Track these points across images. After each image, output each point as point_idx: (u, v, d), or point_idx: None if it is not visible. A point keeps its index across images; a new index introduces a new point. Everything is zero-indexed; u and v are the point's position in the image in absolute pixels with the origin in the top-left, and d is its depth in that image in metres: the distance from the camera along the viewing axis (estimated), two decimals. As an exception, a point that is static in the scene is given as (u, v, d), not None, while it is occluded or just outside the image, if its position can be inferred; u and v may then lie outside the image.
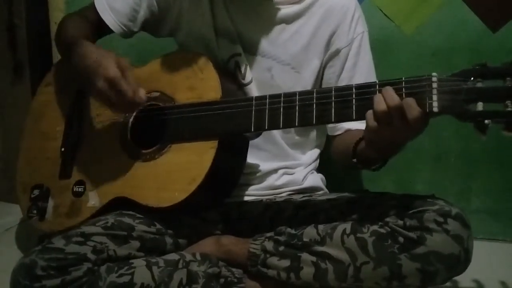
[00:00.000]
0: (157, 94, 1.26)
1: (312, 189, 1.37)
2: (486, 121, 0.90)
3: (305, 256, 1.15)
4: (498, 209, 1.66)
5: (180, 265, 1.15)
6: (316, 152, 1.41)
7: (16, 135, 1.46)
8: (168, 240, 1.21)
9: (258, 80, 1.29)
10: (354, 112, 1.04)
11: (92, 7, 1.34)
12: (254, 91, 1.29)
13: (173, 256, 1.17)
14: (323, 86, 1.32)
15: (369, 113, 1.00)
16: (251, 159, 1.29)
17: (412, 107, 0.95)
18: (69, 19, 1.36)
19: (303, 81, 1.30)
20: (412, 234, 1.07)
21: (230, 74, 1.29)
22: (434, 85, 0.95)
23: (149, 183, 1.20)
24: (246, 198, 1.32)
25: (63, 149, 1.33)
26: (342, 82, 1.29)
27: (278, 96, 1.12)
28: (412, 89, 0.97)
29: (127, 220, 1.18)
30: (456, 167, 1.66)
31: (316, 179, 1.39)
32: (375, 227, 1.12)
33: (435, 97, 0.95)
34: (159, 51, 1.33)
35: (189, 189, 1.15)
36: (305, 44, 1.28)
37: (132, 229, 1.16)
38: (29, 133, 1.42)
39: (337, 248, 1.12)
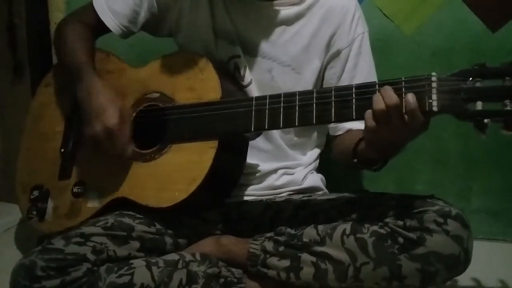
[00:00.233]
0: (157, 94, 1.26)
1: (312, 189, 1.37)
2: (486, 120, 0.91)
3: (305, 256, 1.15)
4: (498, 209, 1.66)
5: (180, 265, 1.15)
6: (316, 152, 1.41)
7: (16, 135, 1.46)
8: (168, 240, 1.21)
9: (258, 82, 1.29)
10: (354, 112, 1.04)
11: (91, 8, 1.33)
12: (254, 92, 1.28)
13: (172, 256, 1.17)
14: (324, 86, 1.32)
15: (368, 112, 1.00)
16: (251, 159, 1.29)
17: (411, 107, 0.95)
18: (69, 26, 1.34)
19: (304, 82, 1.30)
20: (412, 235, 1.07)
21: (230, 75, 1.29)
22: (434, 84, 0.96)
23: (149, 183, 1.20)
24: (246, 198, 1.32)
25: (62, 150, 1.33)
26: (343, 83, 1.29)
27: (278, 96, 1.12)
28: (412, 88, 0.97)
29: (127, 220, 1.18)
30: (456, 168, 1.66)
31: (316, 179, 1.39)
32: (375, 228, 1.12)
33: (434, 97, 0.95)
34: (159, 52, 1.33)
35: (189, 189, 1.15)
36: (306, 45, 1.28)
37: (131, 230, 1.16)
38: (29, 133, 1.42)
39: (337, 248, 1.12)
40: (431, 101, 0.95)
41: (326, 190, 1.41)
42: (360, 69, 1.30)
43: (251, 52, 1.29)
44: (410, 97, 0.95)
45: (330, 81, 1.31)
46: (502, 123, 0.90)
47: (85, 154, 1.31)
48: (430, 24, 1.60)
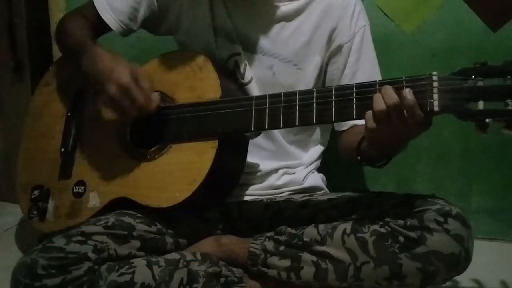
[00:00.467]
0: (156, 94, 1.26)
1: (313, 189, 1.37)
2: (487, 120, 0.90)
3: (306, 255, 1.15)
4: (498, 209, 1.66)
5: (180, 265, 1.15)
6: (318, 150, 1.40)
7: (16, 135, 1.46)
8: (169, 239, 1.21)
9: (259, 79, 1.29)
10: (354, 111, 1.04)
11: (91, 5, 1.33)
12: (254, 90, 1.28)
13: (173, 256, 1.17)
14: (327, 82, 1.32)
15: (368, 113, 1.00)
16: (251, 158, 1.29)
17: (411, 106, 0.95)
18: (70, 18, 1.36)
19: (305, 78, 1.29)
20: (412, 234, 1.07)
21: (230, 74, 1.29)
22: (435, 84, 0.95)
23: (149, 183, 1.20)
24: (246, 198, 1.32)
25: (62, 150, 1.33)
26: (346, 78, 1.29)
27: (278, 95, 1.12)
28: (413, 88, 0.97)
29: (127, 219, 1.18)
30: (456, 167, 1.66)
31: (316, 179, 1.39)
32: (375, 227, 1.12)
33: (435, 96, 0.95)
34: (159, 51, 1.33)
35: (190, 189, 1.15)
36: (306, 40, 1.28)
37: (132, 229, 1.16)
38: (28, 133, 1.42)
39: (338, 247, 1.12)
40: (432, 100, 0.95)
41: (326, 190, 1.41)
42: (362, 63, 1.29)
43: (252, 49, 1.28)
44: (408, 93, 0.95)
45: (333, 76, 1.31)
46: (504, 123, 0.90)
47: (85, 154, 1.31)
48: (431, 24, 1.60)
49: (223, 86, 1.20)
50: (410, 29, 1.61)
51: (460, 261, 1.06)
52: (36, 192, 1.33)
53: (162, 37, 1.41)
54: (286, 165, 1.35)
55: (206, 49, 1.29)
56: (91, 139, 1.31)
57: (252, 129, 1.14)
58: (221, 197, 1.28)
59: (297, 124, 1.10)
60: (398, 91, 0.97)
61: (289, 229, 1.19)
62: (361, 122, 1.17)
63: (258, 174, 1.32)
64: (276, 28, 1.28)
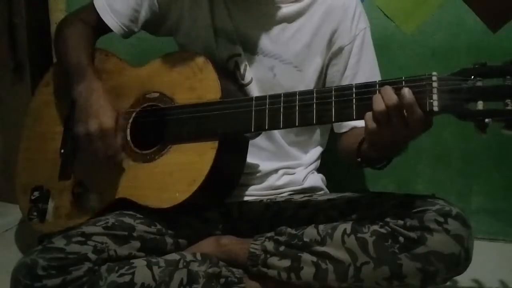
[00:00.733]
0: (156, 94, 1.26)
1: (313, 189, 1.37)
2: (486, 120, 0.90)
3: (306, 256, 1.15)
4: (498, 209, 1.66)
5: (180, 265, 1.15)
6: (318, 151, 1.40)
7: (16, 135, 1.46)
8: (169, 240, 1.21)
9: (259, 80, 1.29)
10: (354, 112, 1.04)
11: (91, 8, 1.33)
12: (254, 91, 1.28)
13: (173, 256, 1.18)
14: (327, 84, 1.32)
15: (368, 114, 1.00)
16: (251, 159, 1.29)
17: (411, 106, 0.95)
18: (70, 26, 1.34)
19: (306, 80, 1.30)
20: (412, 234, 1.07)
21: (230, 74, 1.29)
22: (434, 84, 0.96)
23: (149, 184, 1.20)
24: (246, 198, 1.32)
25: (62, 150, 1.33)
26: (346, 80, 1.29)
27: (278, 96, 1.12)
28: (412, 88, 0.97)
29: (127, 220, 1.18)
30: (456, 167, 1.66)
31: (316, 179, 1.39)
32: (375, 227, 1.12)
33: (435, 96, 0.95)
34: (159, 51, 1.33)
35: (190, 190, 1.15)
36: (307, 42, 1.28)
37: (132, 229, 1.16)
38: (28, 133, 1.42)
39: (338, 248, 1.12)
40: (431, 101, 0.95)
41: (326, 190, 1.41)
42: (363, 65, 1.30)
43: (252, 50, 1.28)
44: (406, 92, 0.95)
45: (333, 78, 1.31)
46: (503, 123, 0.90)
47: (85, 154, 1.30)
48: (430, 24, 1.60)
49: (223, 87, 1.20)
50: (410, 30, 1.61)
51: (460, 261, 1.06)
52: (36, 193, 1.33)
53: (163, 37, 1.41)
54: (286, 166, 1.35)
55: (207, 50, 1.29)
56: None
57: (252, 129, 1.14)
58: (221, 197, 1.28)
59: (297, 124, 1.10)
60: (398, 91, 0.97)
61: (289, 230, 1.19)
62: (361, 123, 1.17)
63: (258, 174, 1.32)
64: (277, 29, 1.28)
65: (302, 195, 1.32)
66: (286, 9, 1.27)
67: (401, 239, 1.08)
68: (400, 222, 1.10)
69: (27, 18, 1.81)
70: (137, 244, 1.16)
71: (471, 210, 1.65)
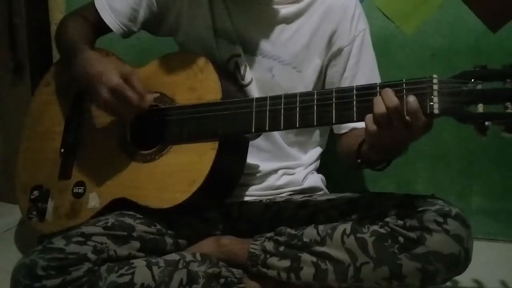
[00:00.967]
0: (157, 95, 1.26)
1: (312, 190, 1.37)
2: (487, 123, 0.91)
3: (305, 256, 1.15)
4: (498, 209, 1.66)
5: (180, 265, 1.15)
6: (317, 151, 1.41)
7: (16, 135, 1.46)
8: (168, 240, 1.21)
9: (258, 81, 1.29)
10: (355, 113, 1.04)
11: (92, 6, 1.34)
12: (254, 91, 1.29)
13: (173, 256, 1.17)
14: (326, 85, 1.32)
15: (368, 116, 1.00)
16: (251, 159, 1.29)
17: (411, 109, 0.95)
18: (70, 20, 1.36)
19: (305, 81, 1.30)
20: (412, 234, 1.07)
21: (230, 75, 1.29)
22: (435, 87, 0.96)
23: (149, 184, 1.20)
24: (246, 199, 1.33)
25: (62, 150, 1.33)
26: (345, 81, 1.29)
27: (278, 97, 1.12)
28: (413, 91, 0.97)
29: (127, 220, 1.18)
30: (456, 168, 1.66)
31: (316, 180, 1.39)
32: (375, 227, 1.12)
33: (435, 99, 0.95)
34: (159, 51, 1.33)
35: (190, 190, 1.15)
36: (306, 43, 1.28)
37: (132, 229, 1.16)
38: (28, 133, 1.42)
39: (337, 248, 1.12)
40: (432, 103, 0.96)
41: (326, 190, 1.41)
42: (362, 66, 1.30)
43: (251, 51, 1.29)
44: (412, 99, 0.96)
45: (332, 79, 1.31)
46: (503, 126, 0.90)
47: (85, 154, 1.31)
48: (430, 24, 1.60)
49: (224, 87, 1.20)
50: (409, 30, 1.61)
51: (459, 261, 1.06)
52: (36, 193, 1.33)
53: (163, 38, 1.41)
54: (285, 166, 1.35)
55: (207, 50, 1.29)
56: (91, 139, 1.31)
57: (253, 130, 1.14)
58: (221, 198, 1.28)
59: (297, 126, 1.10)
60: (398, 94, 0.97)
61: (289, 230, 1.19)
62: (361, 124, 1.17)
63: (258, 174, 1.33)
64: (276, 30, 1.28)
65: (301, 195, 1.32)
66: (285, 10, 1.27)
67: (400, 239, 1.08)
68: (400, 222, 1.10)
69: (27, 18, 1.81)
70: (137, 244, 1.16)
71: (471, 210, 1.65)
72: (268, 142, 1.32)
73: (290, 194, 1.34)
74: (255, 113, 1.14)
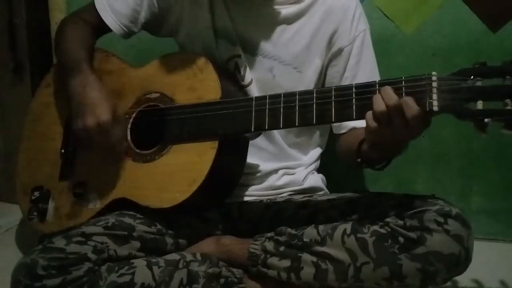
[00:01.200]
0: (157, 95, 1.26)
1: (313, 190, 1.37)
2: (486, 120, 0.91)
3: (306, 256, 1.15)
4: (498, 209, 1.66)
5: (180, 265, 1.15)
6: (317, 152, 1.41)
7: (16, 136, 1.46)
8: (169, 240, 1.21)
9: (259, 81, 1.29)
10: (354, 112, 1.04)
11: (92, 7, 1.34)
12: (254, 92, 1.29)
13: (173, 256, 1.18)
14: (326, 85, 1.32)
15: (369, 114, 1.00)
16: (251, 159, 1.29)
17: (411, 106, 0.96)
18: (69, 24, 1.35)
19: (305, 81, 1.30)
20: (412, 234, 1.07)
21: (230, 75, 1.29)
22: (434, 84, 0.96)
23: (149, 184, 1.20)
24: (246, 198, 1.33)
25: (63, 151, 1.33)
26: (345, 81, 1.29)
27: (278, 96, 1.12)
28: (412, 88, 0.97)
29: (127, 220, 1.18)
30: (456, 167, 1.66)
31: (316, 180, 1.39)
32: (375, 227, 1.12)
33: (435, 96, 0.95)
34: (159, 51, 1.33)
35: (190, 190, 1.15)
36: (307, 43, 1.28)
37: (132, 229, 1.16)
38: (29, 134, 1.42)
39: (338, 248, 1.12)
40: (431, 100, 0.96)
41: (326, 190, 1.41)
42: (362, 67, 1.30)
43: (252, 51, 1.29)
44: (410, 101, 0.96)
45: (332, 79, 1.31)
46: (503, 123, 0.90)
47: (85, 155, 1.31)
48: (430, 24, 1.60)
49: (223, 87, 1.20)
50: (410, 30, 1.61)
51: (460, 261, 1.06)
52: (37, 193, 1.33)
53: (163, 38, 1.41)
54: (286, 166, 1.35)
55: (207, 50, 1.29)
56: (91, 140, 1.31)
57: (252, 129, 1.14)
58: (221, 197, 1.28)
59: (297, 124, 1.10)
60: (398, 91, 0.97)
61: (289, 230, 1.19)
62: (360, 124, 1.18)
63: (258, 174, 1.33)
64: (277, 30, 1.28)
65: (302, 195, 1.33)
66: (286, 11, 1.27)
67: (401, 239, 1.08)
68: (400, 222, 1.10)
69: (27, 18, 1.81)
70: (137, 244, 1.16)
71: (471, 210, 1.65)
72: (268, 143, 1.32)
73: (291, 194, 1.34)
74: (255, 112, 1.14)
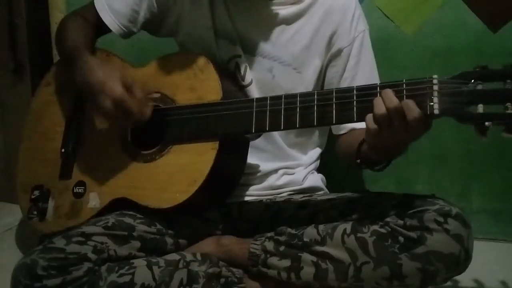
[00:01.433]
0: (157, 95, 1.26)
1: (312, 189, 1.37)
2: (487, 123, 0.91)
3: (306, 256, 1.15)
4: (499, 209, 1.66)
5: (180, 265, 1.15)
6: (317, 152, 1.41)
7: (16, 136, 1.46)
8: (169, 240, 1.22)
9: (259, 81, 1.29)
10: (355, 114, 1.04)
11: (92, 7, 1.34)
12: (254, 92, 1.29)
13: (173, 256, 1.18)
14: (326, 86, 1.32)
15: (369, 116, 1.00)
16: (251, 159, 1.29)
17: (412, 109, 0.96)
18: (69, 21, 1.35)
19: (305, 81, 1.30)
20: (412, 234, 1.07)
21: (230, 75, 1.29)
22: (435, 87, 0.96)
23: (149, 184, 1.20)
24: (246, 198, 1.33)
25: (63, 150, 1.33)
26: (345, 82, 1.29)
27: (279, 97, 1.12)
28: (413, 91, 0.98)
29: (127, 220, 1.18)
30: (456, 168, 1.66)
31: (316, 179, 1.39)
32: (375, 227, 1.12)
33: (436, 99, 0.95)
34: (159, 51, 1.33)
35: (190, 190, 1.15)
36: (306, 44, 1.28)
37: (132, 229, 1.16)
38: (29, 133, 1.42)
39: (338, 248, 1.12)
40: (432, 104, 0.96)
41: (326, 190, 1.41)
42: (361, 67, 1.30)
43: (252, 51, 1.29)
44: (411, 104, 0.96)
45: (332, 80, 1.31)
46: (503, 126, 0.91)
47: (85, 154, 1.31)
48: (430, 24, 1.60)
49: (224, 87, 1.20)
50: (410, 30, 1.61)
51: (460, 261, 1.07)
52: (36, 192, 1.33)
53: (163, 38, 1.41)
54: (285, 166, 1.35)
55: (207, 50, 1.29)
56: (92, 139, 1.31)
57: (253, 131, 1.14)
58: (221, 198, 1.28)
59: (297, 126, 1.10)
60: (399, 94, 0.98)
61: (289, 230, 1.19)
62: (360, 125, 1.18)
63: (258, 174, 1.33)
64: (277, 31, 1.28)
65: (302, 195, 1.33)
66: (286, 11, 1.27)
67: (401, 239, 1.08)
68: (400, 222, 1.10)
69: (27, 18, 1.81)
70: (137, 244, 1.16)
71: (471, 210, 1.65)
72: (268, 143, 1.32)
73: (290, 194, 1.35)
74: (256, 113, 1.14)
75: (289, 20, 1.28)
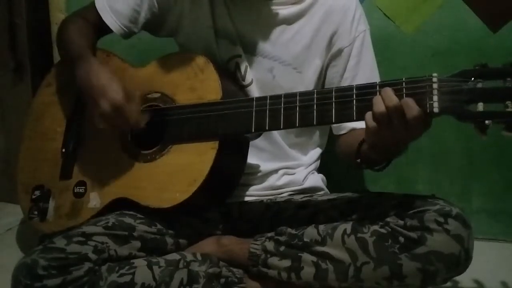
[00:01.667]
0: (157, 95, 1.26)
1: (313, 189, 1.37)
2: (487, 122, 0.91)
3: (306, 256, 1.15)
4: (499, 209, 1.66)
5: (181, 265, 1.15)
6: (317, 152, 1.41)
7: (17, 136, 1.46)
8: (169, 240, 1.22)
9: (259, 81, 1.29)
10: (354, 113, 1.04)
11: (93, 7, 1.34)
12: (255, 92, 1.29)
13: (174, 256, 1.18)
14: (326, 85, 1.32)
15: (368, 114, 1.00)
16: (251, 159, 1.29)
17: (411, 107, 0.96)
18: (70, 22, 1.35)
19: (305, 81, 1.30)
20: (412, 234, 1.07)
21: (230, 75, 1.29)
22: (435, 85, 0.96)
23: (149, 184, 1.21)
24: (246, 198, 1.33)
25: (63, 150, 1.33)
26: (345, 81, 1.29)
27: (278, 97, 1.12)
28: (413, 89, 0.98)
29: (128, 220, 1.18)
30: (456, 168, 1.66)
31: (316, 179, 1.39)
32: (375, 227, 1.12)
33: (435, 98, 0.95)
34: (159, 51, 1.33)
35: (190, 190, 1.15)
36: (307, 44, 1.29)
37: (133, 229, 1.16)
38: (29, 133, 1.42)
39: (338, 248, 1.12)
40: (432, 102, 0.96)
41: (327, 190, 1.41)
42: (362, 67, 1.30)
43: (252, 51, 1.29)
44: (410, 102, 0.96)
45: (332, 80, 1.31)
46: (503, 125, 0.90)
47: (86, 154, 1.31)
48: (430, 24, 1.60)
49: (224, 87, 1.20)
50: (410, 30, 1.61)
51: (460, 261, 1.07)
52: (37, 193, 1.33)
53: (163, 38, 1.41)
54: (286, 166, 1.35)
55: (207, 50, 1.29)
56: (92, 139, 1.31)
57: (253, 130, 1.14)
58: (221, 197, 1.28)
59: (297, 125, 1.10)
60: (398, 93, 0.97)
61: (289, 230, 1.19)
62: (360, 125, 1.18)
63: (258, 174, 1.33)
64: (277, 31, 1.28)
65: (302, 195, 1.33)
66: (286, 11, 1.27)
67: (401, 239, 1.08)
68: (400, 222, 1.10)
69: (28, 18, 1.81)
70: (137, 244, 1.16)
71: (471, 210, 1.65)
72: (268, 143, 1.32)
73: (291, 194, 1.35)
74: (255, 112, 1.14)
75: (290, 20, 1.28)
